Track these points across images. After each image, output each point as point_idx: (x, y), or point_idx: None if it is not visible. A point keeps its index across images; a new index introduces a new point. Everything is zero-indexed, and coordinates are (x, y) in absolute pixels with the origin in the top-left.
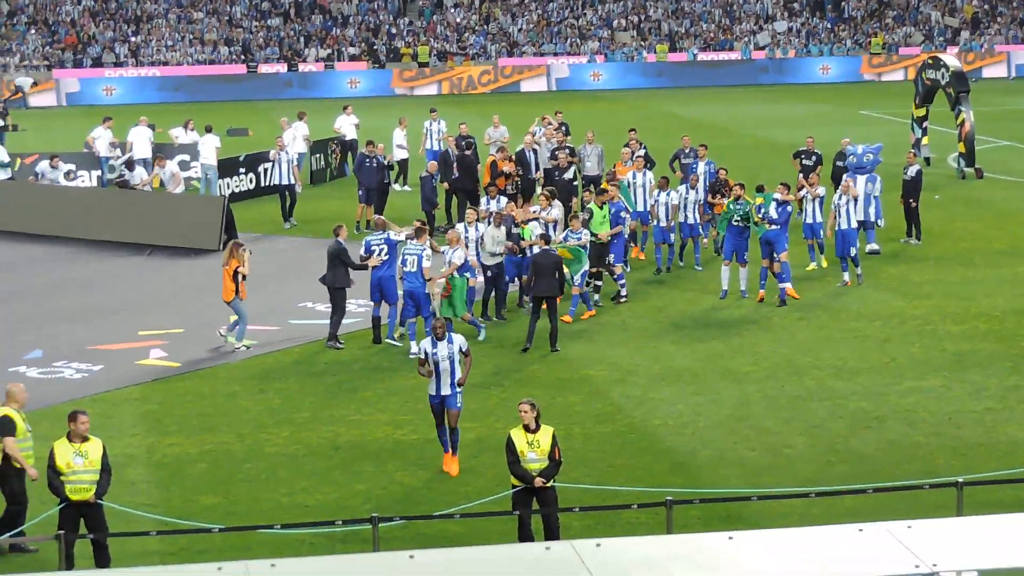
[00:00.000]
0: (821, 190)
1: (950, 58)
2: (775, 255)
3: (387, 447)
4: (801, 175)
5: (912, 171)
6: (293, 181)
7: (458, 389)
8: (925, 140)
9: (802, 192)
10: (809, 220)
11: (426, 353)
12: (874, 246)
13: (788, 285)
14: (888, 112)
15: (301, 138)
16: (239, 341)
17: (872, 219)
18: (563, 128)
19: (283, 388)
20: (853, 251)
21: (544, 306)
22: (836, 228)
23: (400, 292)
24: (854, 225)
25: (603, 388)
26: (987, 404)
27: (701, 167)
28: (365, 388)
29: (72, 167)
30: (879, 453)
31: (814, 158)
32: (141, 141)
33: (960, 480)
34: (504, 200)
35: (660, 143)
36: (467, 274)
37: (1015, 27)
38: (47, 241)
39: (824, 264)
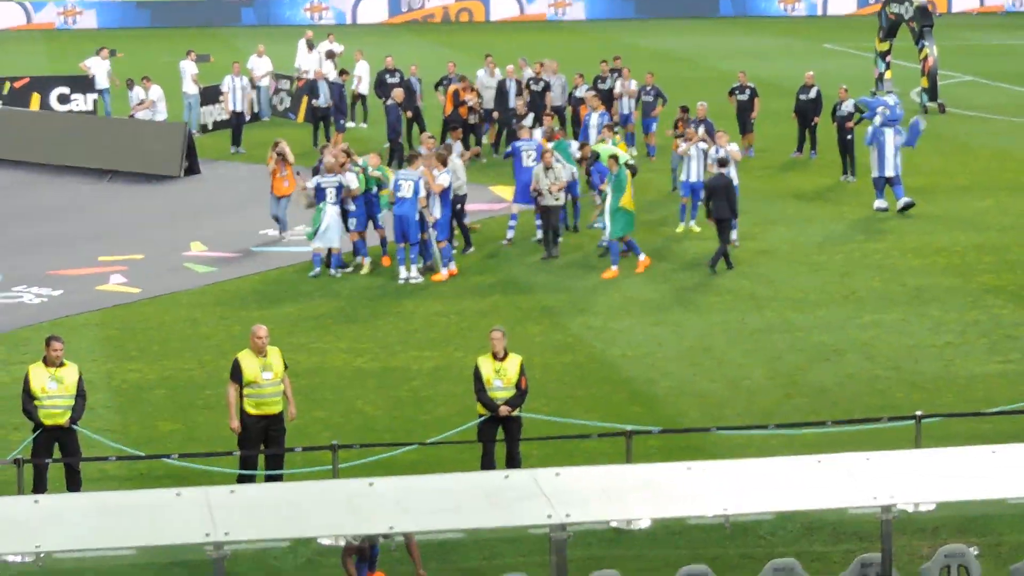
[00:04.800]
0: (733, 147)
1: None
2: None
3: (346, 375)
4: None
5: (847, 106)
6: (243, 109)
7: None
8: (888, 74)
9: (682, 147)
10: (687, 178)
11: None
12: (907, 199)
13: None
14: (852, 46)
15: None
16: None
17: (899, 173)
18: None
19: (244, 315)
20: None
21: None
22: (684, 181)
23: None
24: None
25: (563, 319)
26: (946, 339)
27: (594, 119)
28: (324, 316)
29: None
30: (838, 386)
31: (748, 92)
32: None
33: (918, 414)
34: (459, 146)
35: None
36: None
37: None
38: (5, 166)
39: (697, 228)
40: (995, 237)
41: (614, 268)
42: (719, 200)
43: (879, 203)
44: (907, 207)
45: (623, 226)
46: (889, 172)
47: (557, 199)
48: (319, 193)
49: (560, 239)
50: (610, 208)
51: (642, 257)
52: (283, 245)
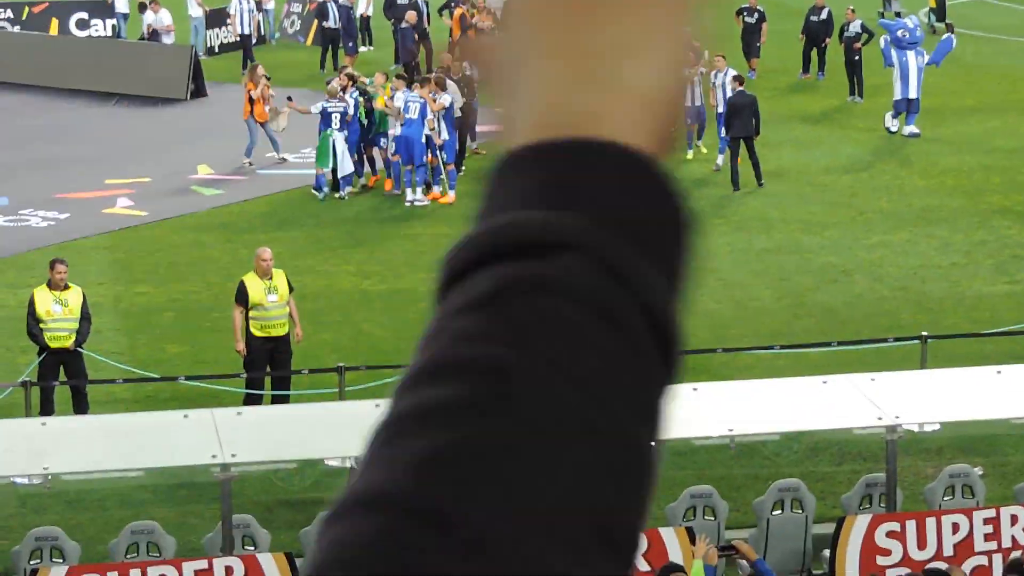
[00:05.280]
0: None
1: None
2: None
3: (353, 297)
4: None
5: (854, 27)
6: (250, 31)
7: None
8: None
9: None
10: (692, 102)
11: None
12: (914, 129)
13: None
14: None
15: None
16: (247, 157)
17: (919, 96)
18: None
19: (250, 238)
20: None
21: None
22: (688, 106)
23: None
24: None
25: None
26: (953, 259)
27: None
28: (331, 239)
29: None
30: (845, 307)
31: (756, 15)
32: None
33: (924, 334)
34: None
35: None
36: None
37: None
38: (12, 89)
39: (704, 149)
40: (1003, 158)
41: None
42: (744, 117)
43: (890, 122)
44: (912, 136)
45: None
46: (912, 94)
47: None
48: (325, 118)
49: None
50: None
51: None
52: (288, 168)
